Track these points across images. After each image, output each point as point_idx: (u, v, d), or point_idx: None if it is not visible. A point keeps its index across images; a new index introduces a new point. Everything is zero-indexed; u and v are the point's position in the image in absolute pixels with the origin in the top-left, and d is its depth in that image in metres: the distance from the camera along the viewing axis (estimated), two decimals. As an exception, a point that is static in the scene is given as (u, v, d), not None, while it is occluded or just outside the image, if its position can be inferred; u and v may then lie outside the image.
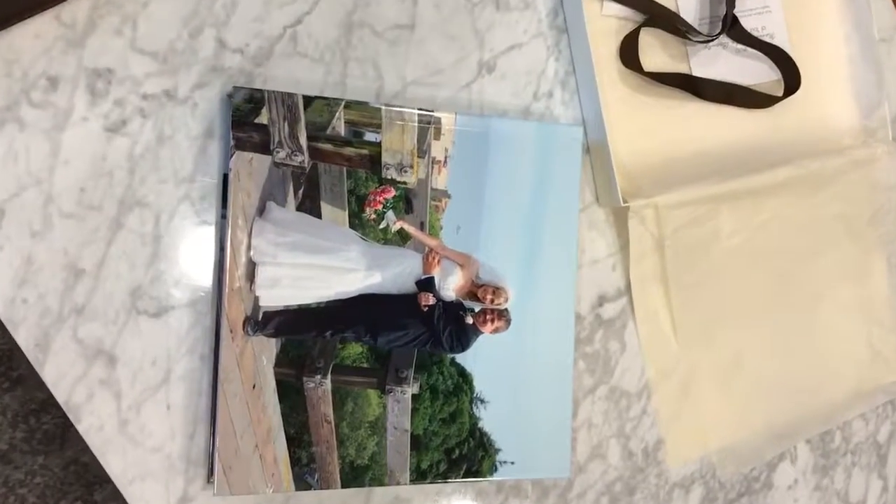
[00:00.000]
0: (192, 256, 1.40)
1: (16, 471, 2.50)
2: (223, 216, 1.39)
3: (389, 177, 1.58)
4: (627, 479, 1.78)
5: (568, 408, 1.67)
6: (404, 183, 1.60)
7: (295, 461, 1.44)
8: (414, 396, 1.61)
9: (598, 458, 1.75)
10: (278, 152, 1.43)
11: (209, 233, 1.40)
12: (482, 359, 1.69)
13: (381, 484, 1.51)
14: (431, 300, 1.79)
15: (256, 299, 1.45)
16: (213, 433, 1.37)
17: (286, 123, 1.41)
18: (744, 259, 1.75)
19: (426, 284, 1.79)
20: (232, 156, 1.36)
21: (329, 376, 1.51)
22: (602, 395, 1.76)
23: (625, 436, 1.78)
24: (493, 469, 1.62)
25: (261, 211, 1.45)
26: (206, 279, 1.41)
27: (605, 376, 1.76)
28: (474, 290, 1.81)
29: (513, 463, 1.63)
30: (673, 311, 1.75)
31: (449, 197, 1.67)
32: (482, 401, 1.68)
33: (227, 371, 1.37)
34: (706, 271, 1.75)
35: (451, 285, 1.80)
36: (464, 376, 1.69)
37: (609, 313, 1.78)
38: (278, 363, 1.45)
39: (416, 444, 1.56)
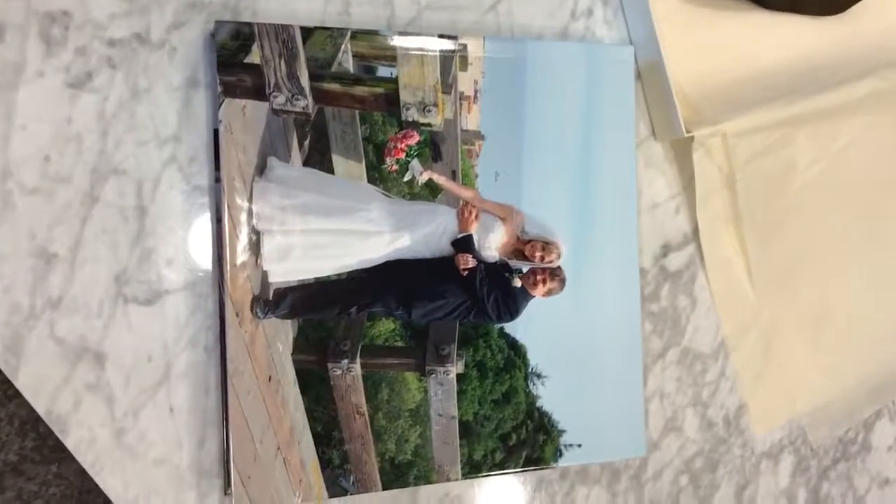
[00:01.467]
0: (185, 230, 1.31)
1: (29, 482, 2.44)
2: (217, 179, 1.29)
3: (411, 119, 1.49)
4: (708, 452, 1.72)
5: (638, 376, 1.59)
6: (429, 125, 1.51)
7: (326, 463, 1.36)
8: (459, 377, 1.54)
9: (673, 432, 1.69)
10: (276, 97, 1.32)
11: (203, 201, 1.32)
12: (535, 327, 1.62)
13: (429, 481, 1.42)
14: (471, 262, 1.68)
15: (265, 275, 1.36)
16: (226, 437, 1.28)
17: (282, 62, 1.29)
18: (825, 192, 1.67)
19: (464, 244, 1.68)
20: (221, 105, 1.24)
21: (358, 360, 1.45)
22: (673, 359, 1.69)
23: (702, 404, 1.72)
24: (557, 455, 1.54)
25: (261, 170, 1.35)
26: (203, 256, 1.32)
27: (676, 337, 1.69)
28: (520, 246, 1.70)
29: (579, 446, 1.55)
30: (748, 256, 1.67)
31: (483, 139, 1.58)
32: (539, 376, 1.61)
33: (237, 363, 1.28)
34: (783, 209, 1.66)
35: (492, 243, 1.69)
36: (515, 349, 1.61)
37: (675, 264, 1.70)
38: (296, 349, 1.38)
39: (466, 431, 1.48)
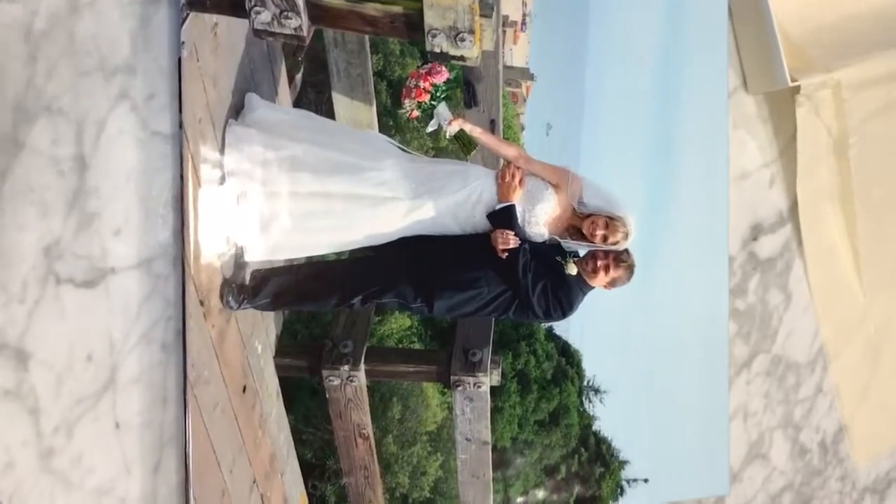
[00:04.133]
0: (140, 190, 1.22)
1: None
2: (180, 124, 1.23)
3: (438, 50, 1.39)
4: (799, 486, 1.71)
5: (724, 392, 1.61)
6: (462, 59, 1.41)
7: (318, 501, 1.33)
8: (493, 390, 1.47)
9: (757, 460, 1.69)
10: (259, 13, 1.20)
11: (163, 150, 1.23)
12: (594, 328, 1.57)
13: (453, 526, 1.41)
14: (512, 241, 1.61)
15: (240, 251, 1.31)
16: (187, 460, 1.23)
17: (269, -38, 1.19)
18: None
19: (504, 217, 1.61)
20: (184, 22, 1.16)
21: (362, 366, 1.38)
22: (760, 368, 1.68)
23: (793, 425, 1.72)
24: (617, 492, 1.55)
25: (237, 110, 1.30)
26: (162, 224, 1.25)
27: (765, 342, 1.67)
28: (577, 222, 1.64)
29: (646, 481, 1.56)
30: (858, 243, 1.63)
31: (532, 79, 1.54)
32: (597, 391, 1.66)
33: (200, 368, 1.21)
34: (909, 184, 1.63)
35: (541, 217, 1.62)
36: (568, 356, 1.60)
37: (767, 250, 1.68)
38: (281, 351, 1.34)
39: (502, 461, 1.47)
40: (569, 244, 1.65)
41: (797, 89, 1.55)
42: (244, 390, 1.30)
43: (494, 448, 1.44)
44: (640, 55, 1.58)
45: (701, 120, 1.60)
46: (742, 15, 1.54)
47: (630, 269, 1.65)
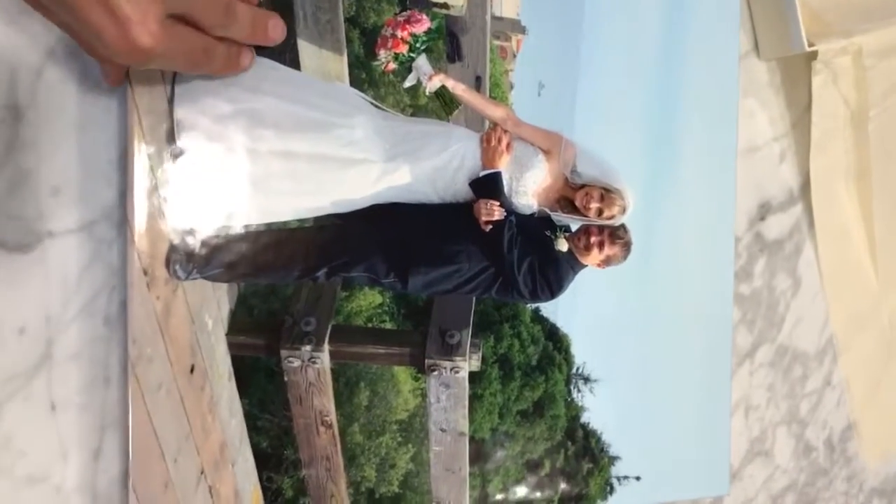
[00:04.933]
0: (80, 144, 1.17)
1: None
2: (126, 72, 1.18)
3: None
4: (803, 486, 1.71)
5: (725, 384, 1.58)
6: (445, 6, 1.42)
7: (273, 496, 1.23)
8: (473, 376, 1.42)
9: (759, 458, 1.69)
10: None
11: (108, 103, 1.19)
12: (585, 310, 1.50)
13: (424, 526, 1.31)
14: (497, 212, 1.58)
15: (190, 215, 1.28)
16: (127, 446, 1.20)
17: None
18: None
19: (488, 185, 1.57)
20: None
21: (326, 346, 1.33)
22: (765, 359, 1.68)
23: (798, 421, 1.71)
24: (606, 490, 1.48)
25: None
26: (105, 183, 1.20)
27: (770, 330, 1.67)
28: (569, 193, 1.61)
29: (638, 478, 1.49)
30: (874, 225, 1.62)
31: (524, 32, 1.46)
32: (587, 380, 1.55)
33: (142, 344, 1.16)
34: (931, 161, 1.56)
35: (529, 186, 1.59)
36: (556, 340, 1.52)
37: (775, 231, 1.66)
38: (234, 327, 1.29)
39: (480, 454, 1.40)
40: (559, 217, 1.62)
41: (814, 55, 1.50)
42: (192, 370, 1.25)
43: (472, 440, 1.41)
44: (644, 10, 1.53)
45: (708, 85, 1.55)
46: None
47: (626, 246, 1.61)
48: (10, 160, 1.11)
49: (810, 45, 1.45)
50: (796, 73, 1.55)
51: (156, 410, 1.15)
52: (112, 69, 1.16)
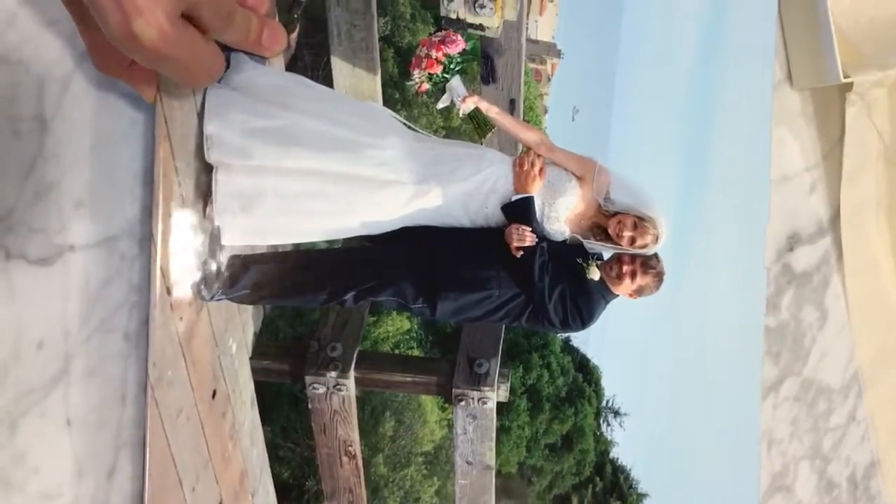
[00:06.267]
0: (105, 158, 1.13)
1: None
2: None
3: (454, 16, 1.36)
4: None
5: (755, 419, 1.59)
6: (480, 28, 1.38)
7: None
8: (500, 407, 1.40)
9: (780, 493, 1.66)
10: None
11: (136, 115, 1.14)
12: (616, 341, 1.45)
13: (449, 563, 1.28)
14: (529, 238, 1.54)
15: (216, 233, 1.25)
16: (143, 472, 1.14)
17: None
18: None
19: (520, 210, 1.54)
20: None
21: (352, 373, 1.30)
22: (790, 392, 1.63)
23: (822, 456, 1.67)
24: None
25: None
26: (129, 198, 1.16)
27: (795, 363, 1.61)
28: (602, 221, 1.58)
29: None
30: None
31: (559, 56, 1.69)
32: (617, 413, 1.60)
33: (163, 366, 1.11)
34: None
35: (562, 212, 1.56)
36: (586, 371, 1.72)
37: (803, 263, 1.61)
38: (259, 351, 1.26)
39: (506, 488, 1.46)
40: (592, 245, 1.59)
41: (848, 87, 1.47)
42: (214, 395, 1.21)
43: (498, 473, 1.41)
44: (680, 37, 1.48)
45: (743, 115, 1.54)
46: (791, 2, 1.48)
47: (659, 276, 1.59)
48: (35, 172, 1.08)
49: (845, 76, 1.42)
50: (829, 103, 1.51)
51: (175, 436, 1.10)
52: (139, 77, 1.13)
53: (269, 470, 1.27)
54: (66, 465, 1.15)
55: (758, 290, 1.60)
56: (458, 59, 1.46)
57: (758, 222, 1.58)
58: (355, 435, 1.34)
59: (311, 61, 1.17)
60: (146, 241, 1.17)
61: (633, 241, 1.56)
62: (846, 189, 1.51)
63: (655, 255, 1.58)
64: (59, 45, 1.10)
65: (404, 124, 1.51)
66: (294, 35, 1.35)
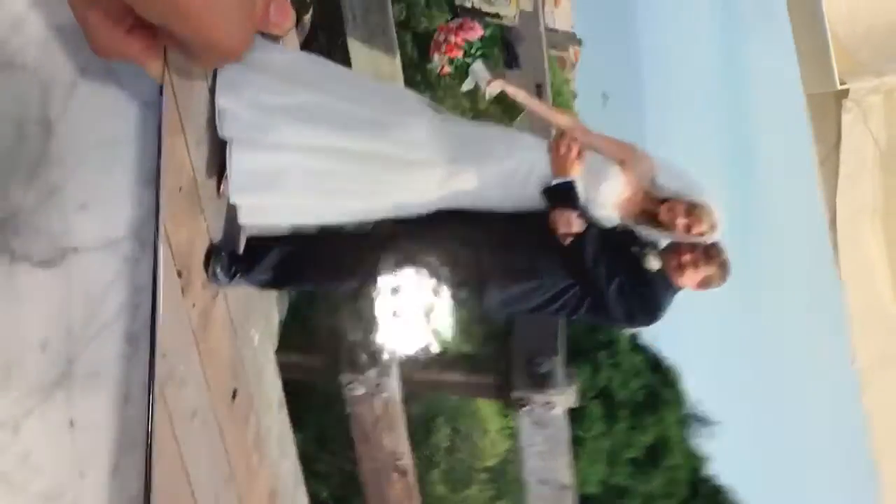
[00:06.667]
0: (111, 160, 1.11)
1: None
2: (160, 90, 1.09)
3: (469, 4, 1.47)
4: None
5: (860, 424, 1.48)
6: (497, 16, 1.44)
7: None
8: (573, 413, 1.31)
9: None
10: None
11: (139, 115, 1.12)
12: (694, 337, 1.43)
13: None
14: (576, 224, 1.43)
15: (232, 211, 1.19)
16: (148, 480, 1.06)
17: None
18: None
19: (562, 194, 1.43)
20: None
21: (395, 372, 1.23)
22: None
23: None
24: None
25: None
26: (133, 200, 1.12)
27: None
28: (651, 207, 1.48)
29: None
30: None
31: (579, 44, 1.59)
32: (705, 422, 1.52)
33: (174, 359, 1.03)
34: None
35: (607, 197, 1.45)
36: (662, 373, 1.42)
37: None
38: (285, 344, 1.17)
39: None
40: (645, 232, 1.48)
41: (844, 93, 1.48)
42: (234, 396, 1.10)
43: (580, 496, 1.25)
44: (703, 18, 1.47)
45: (780, 90, 1.53)
46: (794, 6, 1.50)
47: (724, 265, 1.48)
48: (40, 174, 1.06)
49: (842, 82, 1.43)
50: (826, 110, 1.52)
51: (187, 443, 1.02)
52: (142, 52, 1.10)
53: (303, 486, 1.15)
54: (69, 466, 1.11)
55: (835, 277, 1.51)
56: (479, 45, 1.44)
57: (812, 200, 1.51)
58: (405, 446, 1.20)
59: (325, 41, 1.15)
60: (150, 244, 1.12)
61: (688, 228, 1.45)
62: (841, 196, 1.51)
63: (715, 244, 1.47)
64: (65, 49, 1.09)
65: (430, 105, 1.43)
66: (307, 16, 1.32)
